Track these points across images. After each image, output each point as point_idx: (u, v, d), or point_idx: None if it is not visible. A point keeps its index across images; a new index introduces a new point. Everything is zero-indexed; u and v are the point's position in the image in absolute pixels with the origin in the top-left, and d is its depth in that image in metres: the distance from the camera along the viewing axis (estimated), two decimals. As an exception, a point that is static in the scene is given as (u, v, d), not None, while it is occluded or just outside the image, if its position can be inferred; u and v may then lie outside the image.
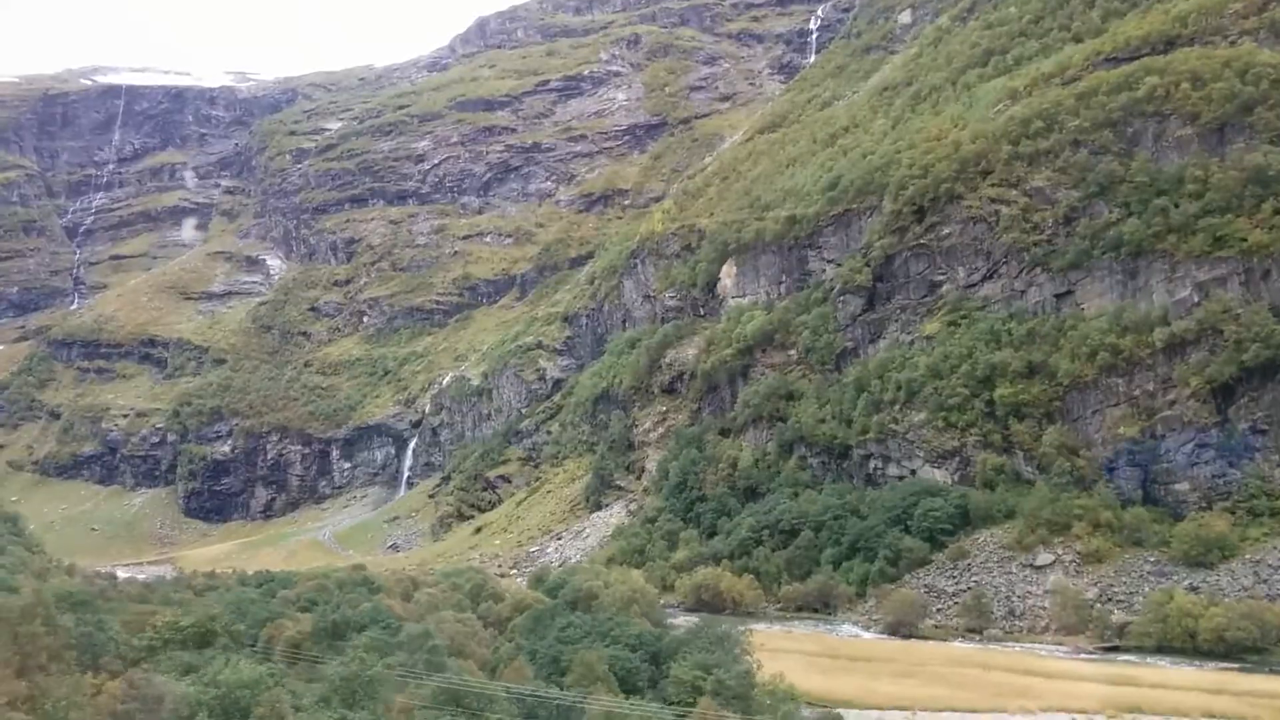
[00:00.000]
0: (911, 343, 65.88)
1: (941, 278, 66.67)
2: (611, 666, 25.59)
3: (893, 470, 62.44)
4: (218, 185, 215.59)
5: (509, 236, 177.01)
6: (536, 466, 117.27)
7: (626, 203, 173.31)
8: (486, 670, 27.33)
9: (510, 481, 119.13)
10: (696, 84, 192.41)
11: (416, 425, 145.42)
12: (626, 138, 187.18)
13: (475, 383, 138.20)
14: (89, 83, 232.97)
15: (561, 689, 24.86)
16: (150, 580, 70.14)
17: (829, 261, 79.65)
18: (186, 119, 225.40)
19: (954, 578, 51.84)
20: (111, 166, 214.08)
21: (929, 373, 61.41)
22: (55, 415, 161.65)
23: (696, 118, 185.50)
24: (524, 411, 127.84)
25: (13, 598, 25.01)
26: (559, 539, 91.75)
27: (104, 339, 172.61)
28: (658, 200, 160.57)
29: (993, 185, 65.12)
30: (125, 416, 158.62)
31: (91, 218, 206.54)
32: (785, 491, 66.56)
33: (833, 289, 75.74)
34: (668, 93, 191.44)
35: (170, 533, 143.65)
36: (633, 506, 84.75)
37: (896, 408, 62.76)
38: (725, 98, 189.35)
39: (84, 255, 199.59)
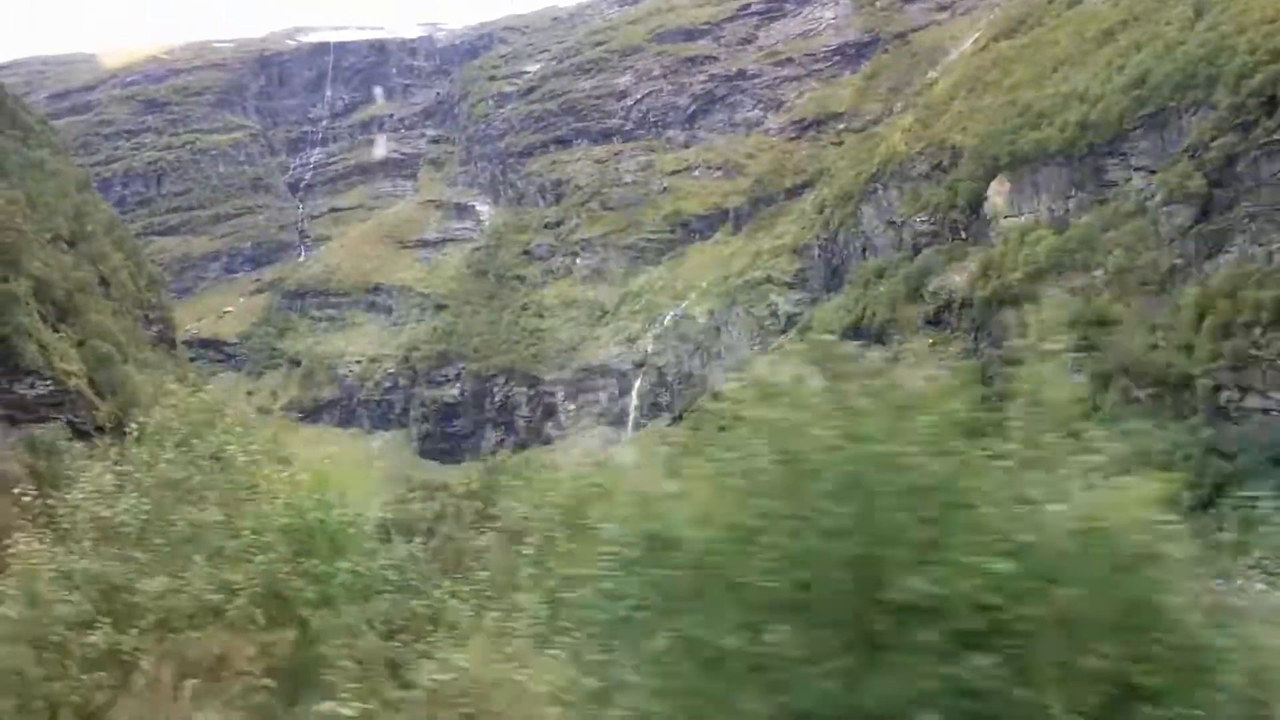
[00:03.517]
0: (1269, 255, 57.45)
1: (1303, 178, 57.74)
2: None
3: (1254, 402, 54.69)
4: (423, 135, 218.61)
5: (718, 169, 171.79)
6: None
7: (842, 126, 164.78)
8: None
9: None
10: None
11: (640, 365, 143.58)
12: (837, 58, 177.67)
13: (701, 320, 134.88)
14: (294, 43, 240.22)
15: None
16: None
17: (1138, 169, 71.12)
18: (390, 71, 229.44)
19: (1373, 525, 44.40)
20: (325, 122, 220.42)
21: (1302, 288, 53.22)
22: (295, 363, 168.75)
23: (913, 31, 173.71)
24: (756, 348, 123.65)
25: None
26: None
27: (332, 289, 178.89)
28: (876, 122, 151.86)
29: (1370, 65, 55.50)
30: (359, 363, 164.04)
31: (310, 173, 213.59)
32: (1110, 428, 59.59)
33: (1150, 199, 67.48)
34: (879, 7, 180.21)
35: (409, 473, 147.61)
36: (910, 445, 79.31)
37: (1258, 331, 54.80)
38: (943, 7, 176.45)
39: (306, 209, 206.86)
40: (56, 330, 44.07)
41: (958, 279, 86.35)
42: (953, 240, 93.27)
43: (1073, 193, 77.48)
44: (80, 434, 40.89)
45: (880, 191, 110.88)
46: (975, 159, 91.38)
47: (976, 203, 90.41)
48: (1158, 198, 66.41)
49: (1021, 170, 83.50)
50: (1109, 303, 67.32)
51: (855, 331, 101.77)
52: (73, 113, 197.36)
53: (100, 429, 41.87)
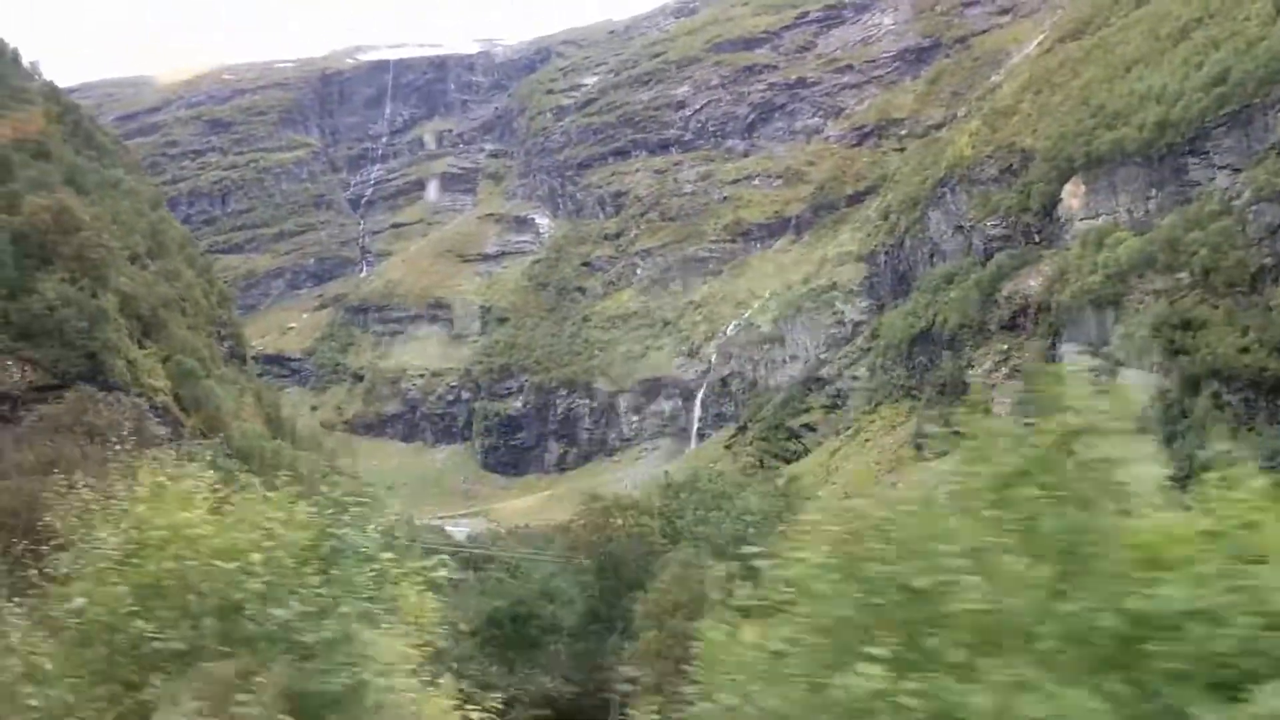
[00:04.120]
0: (1369, 253, 55.21)
1: (1402, 173, 55.40)
2: None
3: (1356, 406, 52.53)
4: (482, 149, 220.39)
5: (778, 177, 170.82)
6: (845, 414, 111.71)
7: (903, 132, 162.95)
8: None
9: (816, 430, 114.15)
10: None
11: (704, 374, 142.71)
12: (897, 64, 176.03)
13: (765, 329, 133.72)
14: (354, 61, 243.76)
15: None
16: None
17: (1221, 168, 68.96)
18: (449, 87, 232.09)
19: None
20: (385, 139, 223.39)
21: (1407, 287, 50.95)
22: (358, 377, 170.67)
23: (974, 35, 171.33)
24: (823, 357, 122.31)
25: None
26: (894, 490, 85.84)
27: (394, 303, 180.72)
28: (939, 127, 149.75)
29: None
30: (421, 376, 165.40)
31: (371, 189, 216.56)
32: (1203, 434, 57.62)
33: (1236, 198, 65.32)
34: (939, 12, 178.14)
35: (472, 487, 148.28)
36: (986, 454, 77.49)
37: (1358, 331, 52.64)
38: (1004, 10, 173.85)
39: (367, 225, 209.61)
40: (142, 346, 44.63)
41: (1033, 283, 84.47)
42: (1025, 244, 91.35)
43: (1152, 193, 75.36)
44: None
45: (948, 196, 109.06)
46: (1047, 161, 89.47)
47: (1050, 206, 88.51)
48: (1244, 196, 64.25)
49: (1097, 171, 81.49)
50: (1195, 305, 65.27)
51: (924, 338, 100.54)
52: (140, 134, 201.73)
53: (188, 444, 42.21)
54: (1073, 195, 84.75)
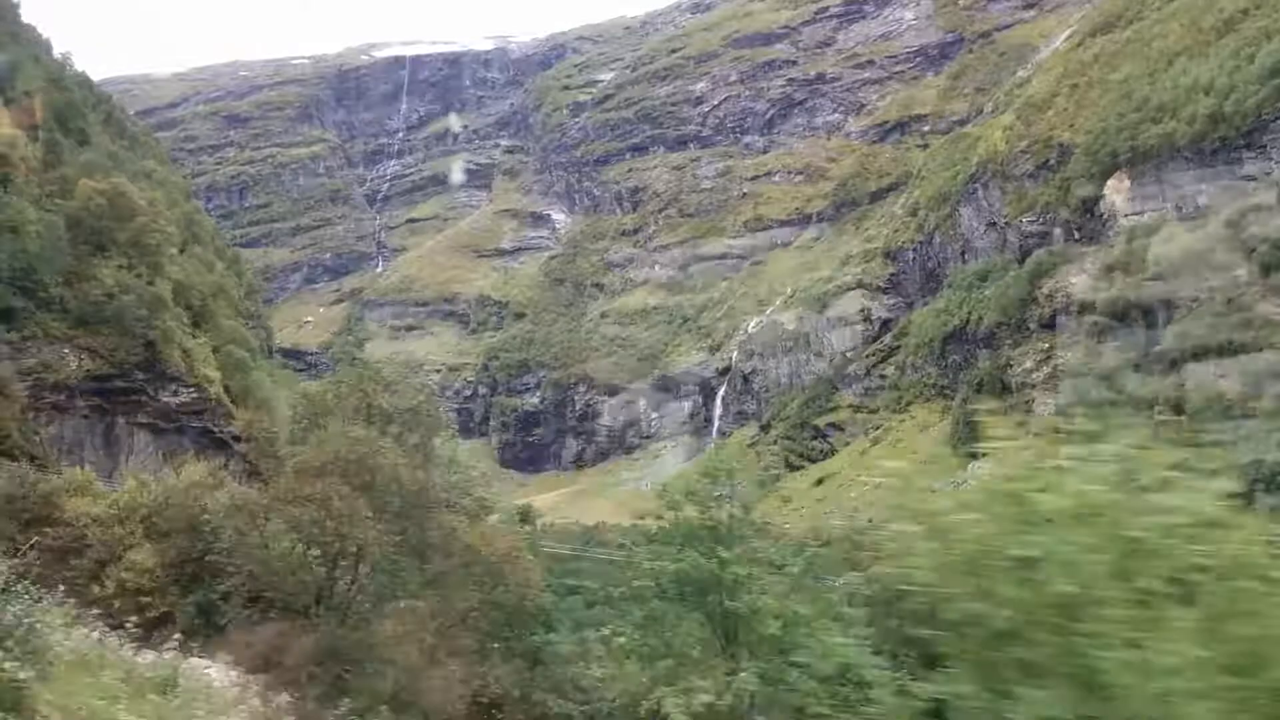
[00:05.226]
0: None
1: None
2: None
3: None
4: (498, 145, 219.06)
5: (799, 174, 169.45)
6: (873, 413, 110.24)
7: (926, 128, 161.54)
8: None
9: (843, 430, 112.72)
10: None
11: (724, 373, 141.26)
12: (919, 59, 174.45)
13: (789, 326, 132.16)
14: (369, 58, 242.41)
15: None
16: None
17: (1279, 161, 67.57)
18: (464, 84, 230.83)
19: None
20: (401, 134, 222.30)
21: None
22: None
23: (997, 30, 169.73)
24: (850, 355, 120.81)
25: None
26: (932, 492, 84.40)
27: (411, 298, 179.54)
28: (963, 122, 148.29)
29: None
30: (438, 371, 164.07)
31: (387, 184, 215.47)
32: (1275, 435, 56.20)
33: (1296, 193, 63.91)
34: (961, 6, 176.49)
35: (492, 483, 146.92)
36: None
37: None
38: (1029, 5, 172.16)
39: (384, 220, 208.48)
40: (193, 336, 43.24)
41: (1075, 280, 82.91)
42: (1065, 241, 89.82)
43: (1203, 188, 73.84)
44: (217, 443, 39.93)
45: (980, 192, 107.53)
46: (1088, 156, 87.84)
47: (1091, 201, 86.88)
48: (1308, 191, 62.83)
49: (1143, 166, 79.93)
50: (1255, 301, 63.84)
51: (958, 336, 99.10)
52: (159, 129, 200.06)
53: (238, 439, 40.85)
54: (1116, 191, 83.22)
